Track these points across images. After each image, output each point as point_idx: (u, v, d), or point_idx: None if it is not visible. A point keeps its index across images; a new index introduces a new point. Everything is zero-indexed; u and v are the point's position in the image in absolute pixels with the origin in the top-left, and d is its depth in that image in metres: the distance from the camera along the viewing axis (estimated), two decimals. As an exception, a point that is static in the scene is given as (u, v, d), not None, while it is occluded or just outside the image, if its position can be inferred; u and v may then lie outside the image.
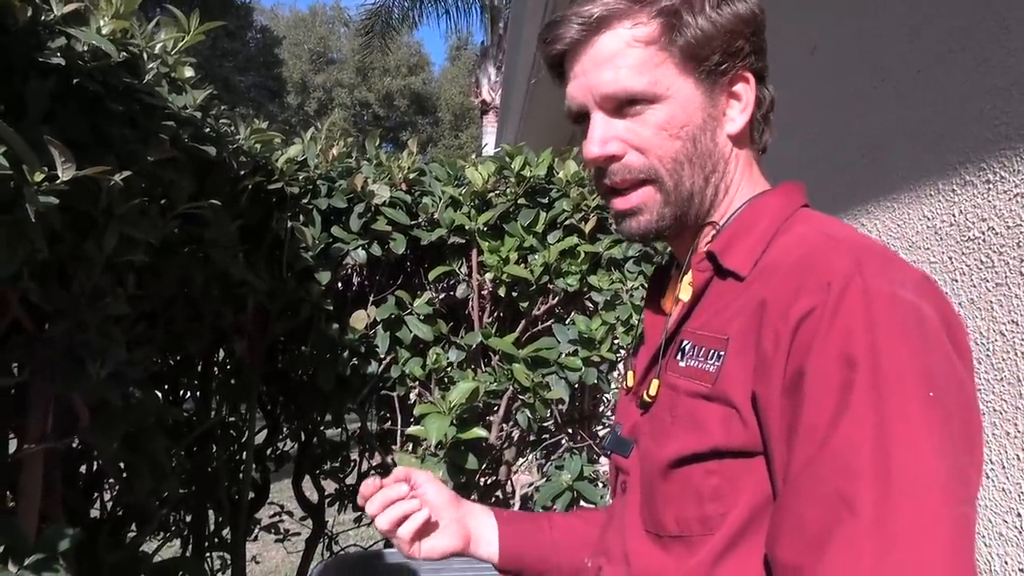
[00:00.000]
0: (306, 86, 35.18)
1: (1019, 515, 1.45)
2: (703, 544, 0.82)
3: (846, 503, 0.67)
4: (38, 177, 1.05)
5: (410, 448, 2.59)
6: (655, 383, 0.93)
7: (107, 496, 2.17)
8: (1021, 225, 1.46)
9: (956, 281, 1.65)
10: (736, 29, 0.90)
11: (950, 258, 1.67)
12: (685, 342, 0.91)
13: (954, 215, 1.67)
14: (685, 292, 0.95)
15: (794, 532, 0.71)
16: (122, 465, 1.81)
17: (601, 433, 2.79)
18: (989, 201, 1.55)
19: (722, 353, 0.83)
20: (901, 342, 0.70)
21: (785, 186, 0.97)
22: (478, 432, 2.29)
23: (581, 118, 0.94)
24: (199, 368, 2.59)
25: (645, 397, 0.95)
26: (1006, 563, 1.48)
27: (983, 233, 1.58)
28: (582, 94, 0.92)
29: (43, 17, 1.18)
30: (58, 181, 1.07)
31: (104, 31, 1.31)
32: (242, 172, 2.05)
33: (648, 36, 0.88)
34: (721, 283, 0.91)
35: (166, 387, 2.47)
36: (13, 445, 1.56)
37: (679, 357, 0.90)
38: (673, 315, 0.97)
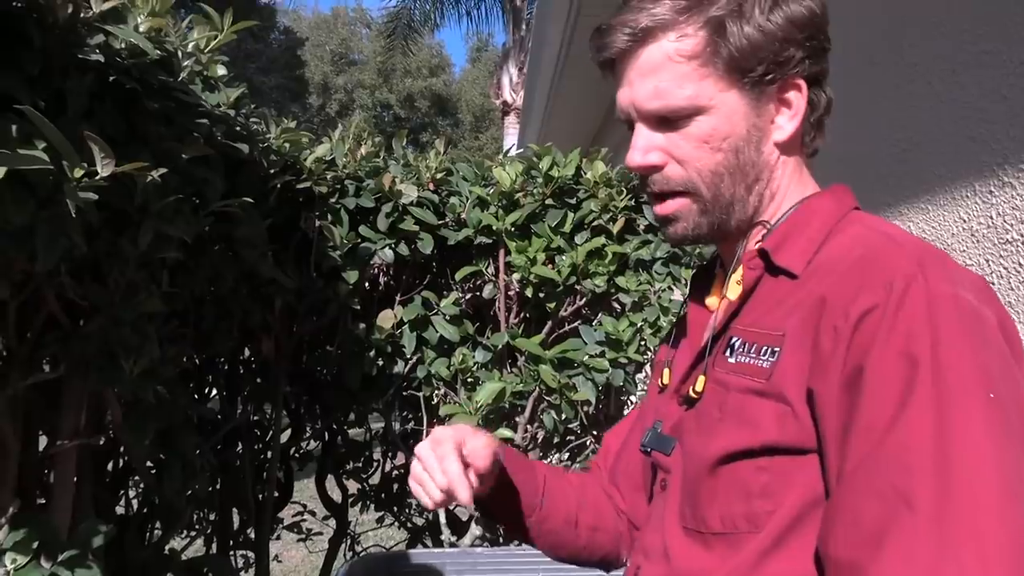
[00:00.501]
0: (327, 87, 35.37)
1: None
2: (748, 542, 0.81)
3: (904, 499, 0.66)
4: (78, 173, 1.05)
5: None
6: (702, 379, 0.92)
7: (132, 494, 2.18)
8: (1061, 227, 1.44)
9: (993, 284, 1.62)
10: (788, 36, 0.88)
11: (987, 260, 1.65)
12: (735, 339, 0.90)
13: (991, 217, 1.64)
14: (733, 290, 0.94)
15: (850, 528, 0.70)
16: (149, 463, 1.83)
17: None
18: (1029, 203, 1.53)
19: (777, 349, 0.82)
20: (962, 342, 0.70)
21: (836, 188, 0.97)
22: (504, 433, 2.29)
23: (629, 124, 0.95)
24: (226, 367, 2.60)
25: (691, 393, 0.94)
26: None
27: (1021, 235, 1.55)
28: (626, 104, 0.92)
29: (83, 15, 1.19)
30: (97, 177, 1.07)
31: (141, 29, 1.32)
32: (272, 171, 2.06)
33: (692, 49, 0.86)
34: (772, 281, 0.90)
35: (192, 385, 2.48)
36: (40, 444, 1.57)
37: (728, 354, 0.90)
38: (720, 312, 0.96)
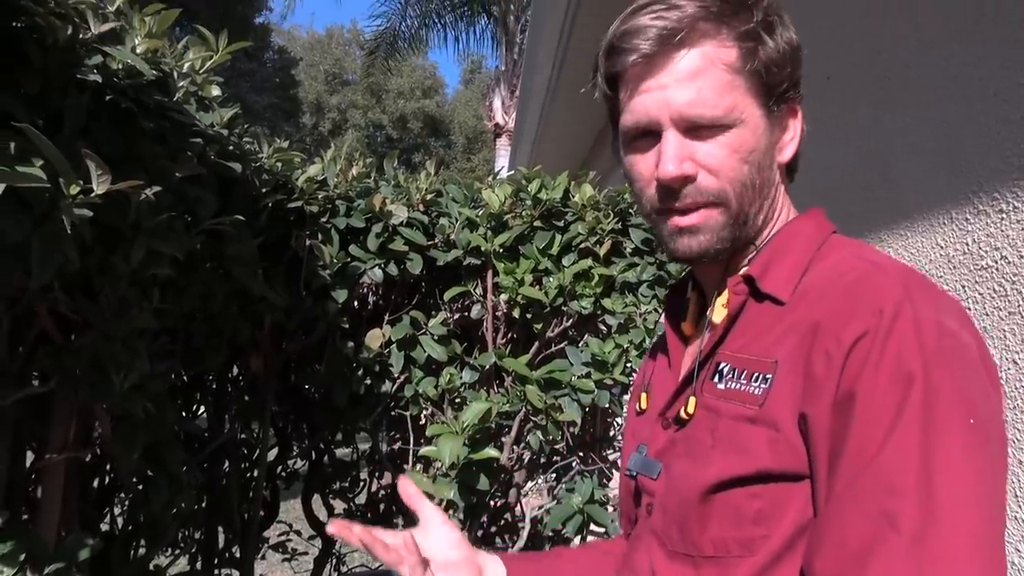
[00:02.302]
0: (321, 107, 35.46)
1: (1032, 545, 1.45)
2: (740, 565, 0.82)
3: (890, 520, 0.68)
4: (74, 190, 1.07)
5: (421, 468, 2.60)
6: (692, 400, 0.91)
7: (118, 511, 2.18)
8: (1034, 255, 1.47)
9: (969, 309, 1.65)
10: (796, 58, 0.91)
11: (963, 286, 1.68)
12: (723, 364, 0.89)
13: (967, 244, 1.68)
14: (719, 313, 0.94)
15: (836, 546, 0.72)
16: (135, 479, 1.83)
17: (612, 457, 2.78)
18: (1002, 230, 1.56)
19: (769, 376, 0.82)
20: (948, 368, 0.72)
21: (814, 212, 0.97)
22: (490, 452, 2.30)
23: (644, 134, 0.91)
24: (214, 384, 2.61)
25: (683, 414, 0.92)
26: (1019, 593, 1.47)
27: (996, 262, 1.59)
28: (657, 108, 0.88)
29: (81, 35, 1.22)
30: (93, 194, 1.09)
31: (138, 50, 1.35)
32: (263, 190, 2.08)
33: (729, 60, 0.86)
34: (757, 306, 0.90)
35: (180, 402, 2.49)
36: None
37: (716, 379, 0.89)
38: (706, 337, 0.95)
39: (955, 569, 0.66)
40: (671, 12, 0.86)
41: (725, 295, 0.94)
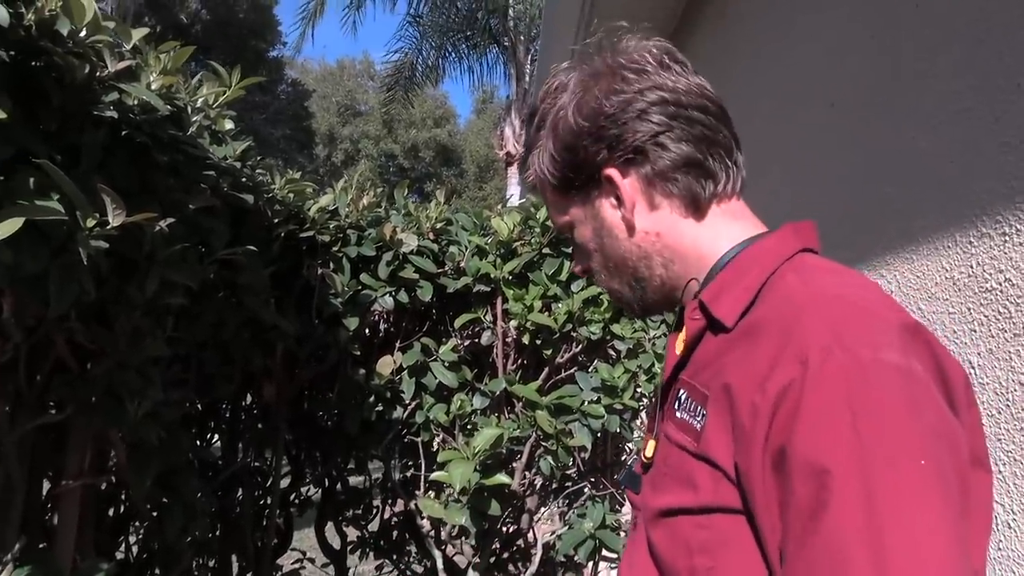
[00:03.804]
0: (333, 138, 35.80)
1: (1044, 567, 1.45)
2: None
3: None
4: (90, 223, 1.11)
5: (433, 495, 2.61)
6: (651, 444, 0.95)
7: (132, 540, 2.20)
8: (1038, 276, 1.48)
9: (975, 332, 1.66)
10: (571, 145, 0.97)
11: (969, 309, 1.69)
12: (681, 391, 0.90)
13: (971, 267, 1.68)
14: (680, 343, 0.94)
15: None
16: (150, 506, 1.85)
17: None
18: (1005, 253, 1.57)
19: (704, 412, 0.82)
20: (886, 415, 0.68)
21: (784, 229, 0.95)
22: (501, 479, 2.31)
23: None
24: (227, 412, 2.63)
25: (643, 458, 0.97)
26: (1031, 616, 1.46)
27: (1000, 284, 1.59)
28: None
29: (98, 73, 1.26)
30: (108, 227, 1.13)
31: (153, 87, 1.39)
32: (276, 220, 2.12)
33: (544, 183, 1.02)
34: (712, 334, 0.90)
35: (195, 430, 2.51)
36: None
37: (676, 406, 0.90)
38: (667, 364, 0.96)
39: None
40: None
41: (686, 322, 0.94)
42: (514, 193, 11.85)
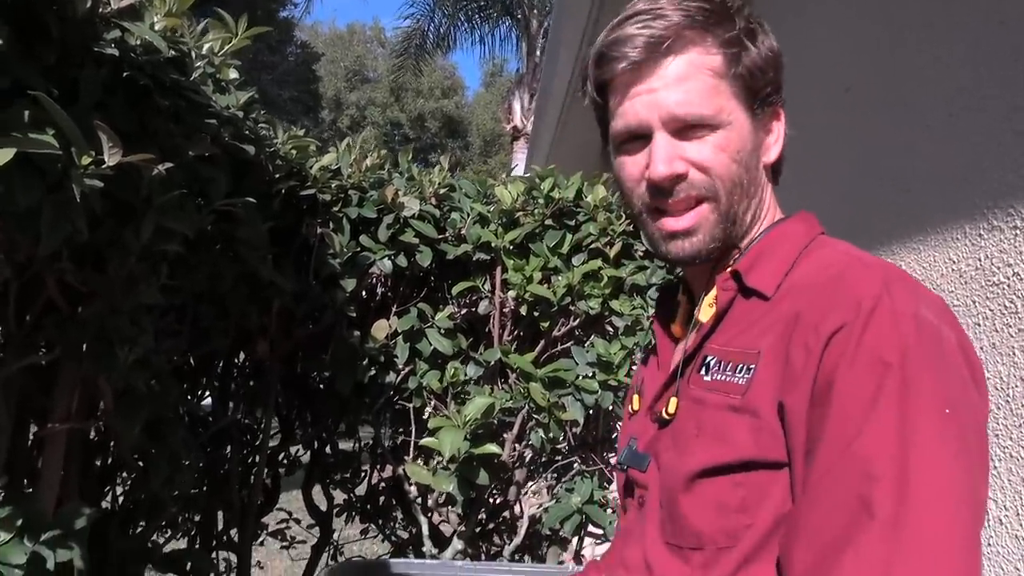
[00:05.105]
0: (340, 103, 35.61)
1: (1032, 563, 1.44)
2: (726, 555, 0.83)
3: (865, 505, 0.69)
4: (85, 160, 1.08)
5: (421, 462, 2.60)
6: (674, 400, 0.95)
7: (119, 491, 2.19)
8: (1046, 272, 1.46)
9: (979, 325, 1.64)
10: (777, 64, 0.95)
11: (974, 302, 1.67)
12: (710, 358, 0.92)
13: (979, 259, 1.66)
14: (706, 312, 0.96)
15: (813, 535, 0.73)
16: (136, 456, 1.84)
17: (613, 459, 2.78)
18: (1015, 247, 1.55)
19: (752, 366, 0.85)
20: (924, 358, 0.74)
21: (803, 214, 1.01)
22: (491, 448, 2.30)
23: (634, 137, 0.95)
24: (219, 368, 2.62)
25: (664, 414, 0.96)
26: (1016, 611, 1.46)
27: (1008, 278, 1.57)
28: (647, 111, 0.92)
29: (101, 9, 1.23)
30: (104, 165, 1.10)
31: (156, 27, 1.36)
32: (277, 176, 2.09)
33: (714, 65, 0.91)
34: (745, 302, 0.93)
35: (185, 385, 2.50)
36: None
37: (703, 372, 0.92)
38: (693, 333, 0.98)
39: (928, 553, 0.67)
40: (657, 21, 0.90)
41: (712, 293, 0.97)
42: (518, 168, 11.78)
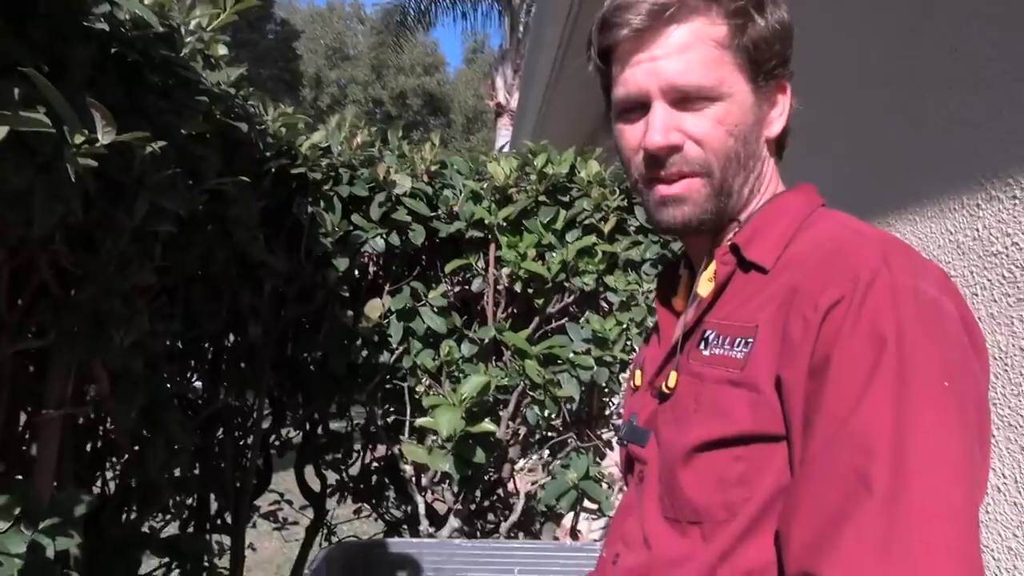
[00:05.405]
0: (320, 81, 35.22)
1: (1031, 531, 1.45)
2: (724, 528, 0.83)
3: (862, 479, 0.69)
4: (78, 139, 1.05)
5: (415, 440, 2.59)
6: (673, 375, 0.95)
7: (110, 475, 2.17)
8: (1045, 241, 1.46)
9: (976, 295, 1.64)
10: (786, 36, 0.93)
11: (971, 272, 1.67)
12: (709, 332, 0.92)
13: (977, 230, 1.66)
14: (705, 286, 0.96)
15: (811, 509, 0.72)
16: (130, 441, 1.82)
17: (606, 436, 2.78)
18: (1014, 216, 1.55)
19: (750, 340, 0.85)
20: (923, 331, 0.73)
21: (803, 186, 1.00)
22: (487, 426, 2.29)
23: (634, 106, 0.94)
24: (209, 351, 2.59)
25: (664, 388, 0.96)
26: (1015, 578, 1.47)
27: (1006, 248, 1.57)
28: (647, 79, 0.91)
29: (89, -17, 1.19)
30: (98, 144, 1.07)
31: (146, 1, 1.32)
32: (267, 154, 2.06)
33: (718, 36, 0.89)
34: (744, 276, 0.92)
35: (176, 367, 2.46)
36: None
37: (702, 347, 0.92)
38: (692, 308, 0.98)
39: (925, 527, 0.66)
40: None
41: (711, 268, 0.96)
42: (504, 145, 11.72)
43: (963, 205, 1.71)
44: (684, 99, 0.90)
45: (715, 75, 0.89)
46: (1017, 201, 1.54)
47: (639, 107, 0.93)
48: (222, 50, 1.70)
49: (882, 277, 0.76)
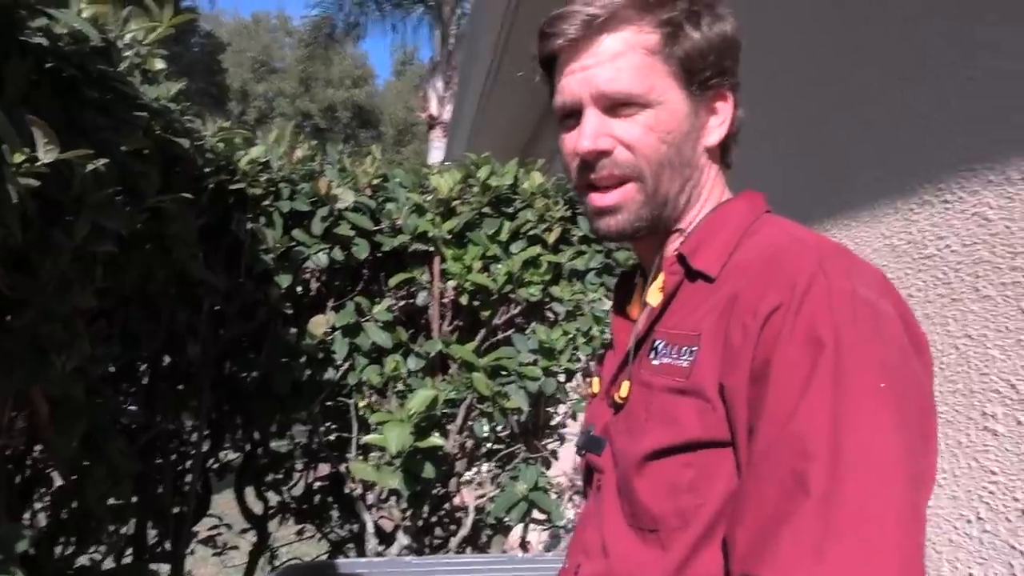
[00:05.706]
0: (247, 94, 34.59)
1: (969, 521, 1.50)
2: (679, 536, 0.84)
3: (800, 482, 0.70)
4: (18, 158, 1.01)
5: (362, 457, 2.55)
6: (626, 384, 0.96)
7: (38, 506, 2.07)
8: (976, 243, 1.52)
9: (912, 297, 1.70)
10: (725, 48, 0.95)
11: (906, 274, 1.73)
12: (658, 341, 0.93)
13: (911, 233, 1.72)
14: (654, 296, 0.97)
15: (753, 513, 0.74)
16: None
17: (552, 446, 2.79)
18: (946, 220, 1.61)
19: (695, 348, 0.86)
20: (860, 333, 0.75)
21: (748, 194, 1.02)
22: (435, 441, 2.28)
23: (570, 115, 0.96)
24: (145, 373, 2.50)
25: (616, 398, 0.97)
26: (956, 568, 1.52)
27: (939, 251, 1.63)
28: (579, 87, 0.93)
29: (24, -5, 1.14)
30: (39, 163, 1.03)
31: (84, 15, 1.28)
32: (206, 170, 2.01)
33: (649, 44, 0.91)
34: (691, 285, 0.94)
35: (111, 392, 2.37)
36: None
37: (652, 356, 0.93)
38: (643, 317, 0.99)
39: (862, 527, 0.67)
40: (599, 3, 0.91)
41: (661, 277, 0.97)
42: (435, 158, 11.69)
43: (897, 210, 1.77)
44: (615, 105, 0.92)
45: (645, 82, 0.90)
46: (948, 205, 1.60)
47: (575, 114, 0.95)
48: (160, 64, 1.65)
49: (819, 282, 0.77)
